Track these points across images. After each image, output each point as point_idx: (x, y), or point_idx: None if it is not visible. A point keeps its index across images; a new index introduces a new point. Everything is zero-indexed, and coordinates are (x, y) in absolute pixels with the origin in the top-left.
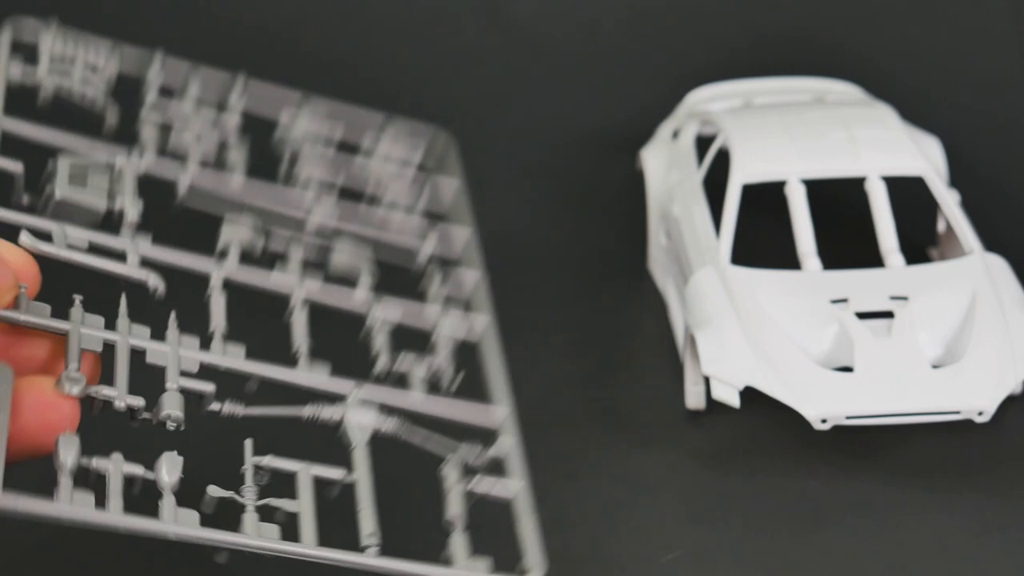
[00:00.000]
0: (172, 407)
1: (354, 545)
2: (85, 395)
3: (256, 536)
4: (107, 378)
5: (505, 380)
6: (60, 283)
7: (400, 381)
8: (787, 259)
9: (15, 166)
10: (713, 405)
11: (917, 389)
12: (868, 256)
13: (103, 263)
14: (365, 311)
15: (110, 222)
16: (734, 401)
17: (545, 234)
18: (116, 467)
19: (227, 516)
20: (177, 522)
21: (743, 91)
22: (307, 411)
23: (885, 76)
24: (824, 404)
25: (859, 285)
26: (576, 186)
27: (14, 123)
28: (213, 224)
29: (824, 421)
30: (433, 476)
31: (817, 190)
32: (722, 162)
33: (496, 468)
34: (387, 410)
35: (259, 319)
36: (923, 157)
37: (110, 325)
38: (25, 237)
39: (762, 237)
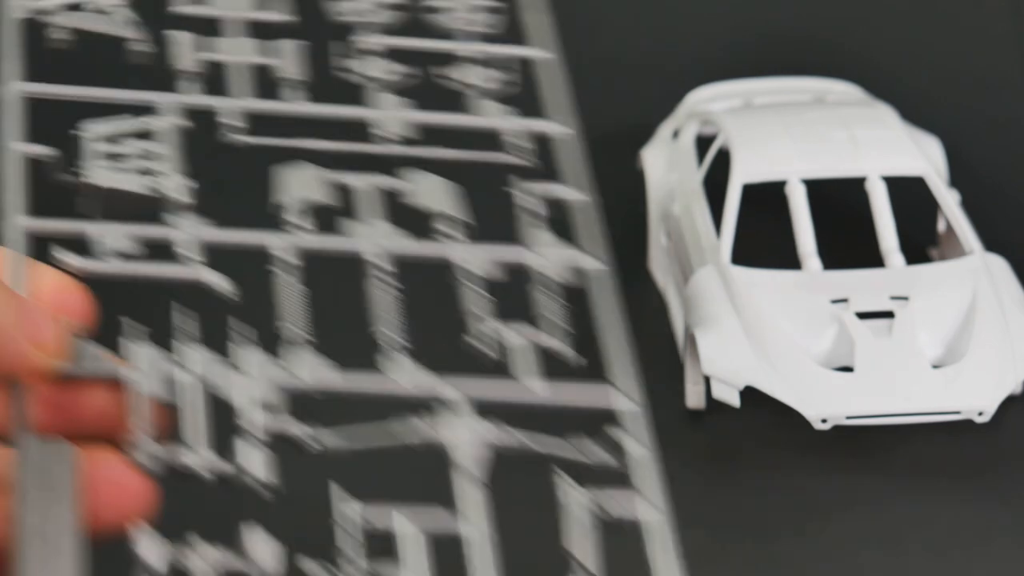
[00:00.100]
0: (262, 468)
1: None
2: (160, 463)
3: None
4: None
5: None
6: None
7: (497, 365)
8: (787, 259)
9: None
10: (713, 405)
11: (917, 389)
12: (868, 256)
13: (162, 270)
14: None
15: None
16: (734, 401)
17: None
18: (207, 562)
19: None
20: None
21: (743, 91)
22: (405, 431)
23: (885, 76)
24: (824, 404)
25: (859, 285)
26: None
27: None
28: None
29: (824, 421)
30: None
31: (817, 190)
32: (722, 162)
33: (620, 480)
34: (495, 409)
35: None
36: (923, 157)
37: (160, 342)
38: (64, 254)
39: (762, 237)
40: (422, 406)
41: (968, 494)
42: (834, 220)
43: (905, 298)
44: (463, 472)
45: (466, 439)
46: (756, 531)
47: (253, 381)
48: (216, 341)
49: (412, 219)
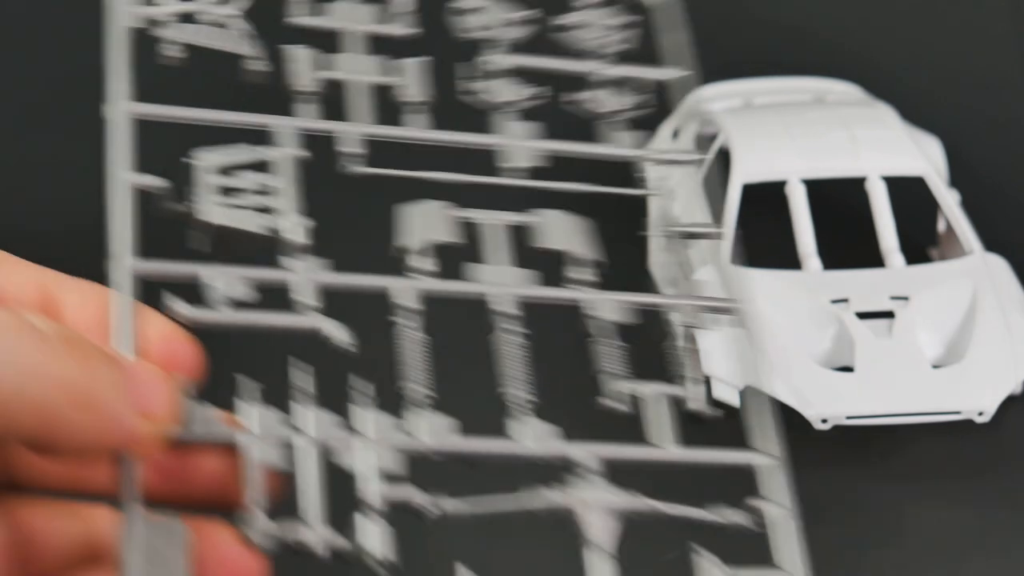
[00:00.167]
0: (380, 544)
1: None
2: (274, 540)
3: None
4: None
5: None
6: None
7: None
8: (787, 259)
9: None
10: (713, 405)
11: (917, 389)
12: (868, 256)
13: (277, 319)
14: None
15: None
16: (734, 401)
17: None
18: None
19: None
20: None
21: (743, 91)
22: (532, 499)
23: (885, 76)
24: (824, 404)
25: (860, 285)
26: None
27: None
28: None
29: (824, 421)
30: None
31: (817, 190)
32: (722, 162)
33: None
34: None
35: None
36: (923, 157)
37: (275, 402)
38: (175, 303)
39: (762, 237)
40: (550, 470)
41: (968, 494)
42: (834, 220)
43: (905, 298)
44: (592, 545)
45: (596, 507)
46: (755, 531)
47: (372, 446)
48: (334, 400)
49: (540, 260)
